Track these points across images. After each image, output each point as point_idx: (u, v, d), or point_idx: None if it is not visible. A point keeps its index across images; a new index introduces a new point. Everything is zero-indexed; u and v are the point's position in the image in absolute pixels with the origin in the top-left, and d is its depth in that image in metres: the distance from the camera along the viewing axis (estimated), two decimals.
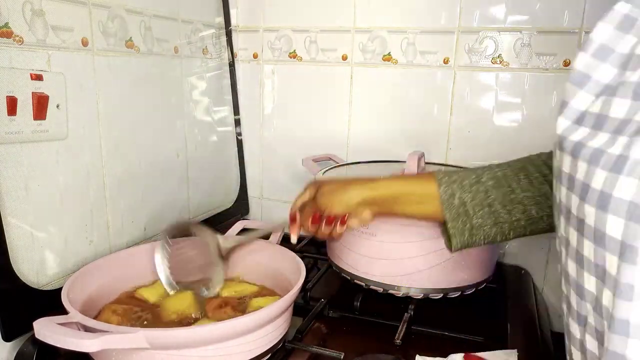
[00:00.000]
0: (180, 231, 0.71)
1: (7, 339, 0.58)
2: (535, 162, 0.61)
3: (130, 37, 0.76)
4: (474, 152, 0.96)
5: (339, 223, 0.61)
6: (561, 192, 0.38)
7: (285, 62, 1.06)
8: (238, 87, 1.08)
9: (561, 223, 0.40)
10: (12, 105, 0.58)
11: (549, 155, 0.61)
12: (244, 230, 0.84)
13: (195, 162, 0.96)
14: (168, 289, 0.68)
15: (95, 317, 0.62)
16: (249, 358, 0.56)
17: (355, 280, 0.79)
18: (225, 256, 0.67)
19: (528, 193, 0.58)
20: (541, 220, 0.59)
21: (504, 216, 0.59)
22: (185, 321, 0.63)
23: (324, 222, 0.61)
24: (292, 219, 0.64)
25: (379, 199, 0.60)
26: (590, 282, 0.38)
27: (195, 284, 0.69)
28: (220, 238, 0.68)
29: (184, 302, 0.65)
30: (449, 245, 0.61)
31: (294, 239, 0.65)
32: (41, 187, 0.63)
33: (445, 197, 0.59)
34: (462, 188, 0.59)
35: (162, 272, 0.68)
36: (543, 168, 0.59)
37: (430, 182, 0.60)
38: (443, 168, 0.93)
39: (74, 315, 0.52)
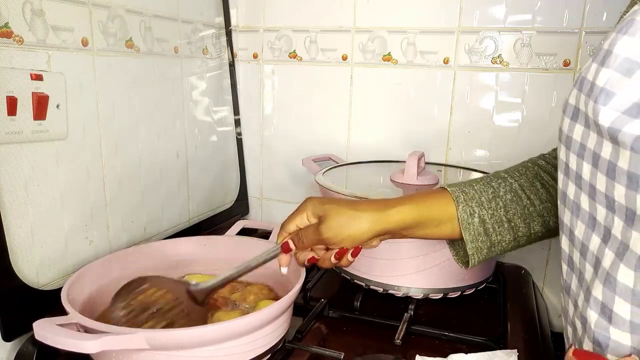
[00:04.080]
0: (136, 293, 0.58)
1: (7, 339, 0.58)
2: (546, 168, 0.59)
3: (130, 37, 0.76)
4: (474, 152, 0.96)
5: (349, 255, 0.55)
6: (618, 190, 0.36)
7: (285, 62, 1.06)
8: (238, 87, 1.08)
9: (618, 225, 0.37)
10: (12, 105, 0.57)
11: (555, 156, 0.60)
12: (244, 230, 0.84)
13: (195, 162, 0.96)
14: None
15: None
16: (249, 358, 0.56)
17: (355, 280, 0.79)
18: (202, 302, 0.57)
19: (548, 204, 0.56)
20: (556, 230, 0.56)
21: (522, 230, 0.56)
22: None
23: (332, 256, 0.54)
24: (285, 249, 0.55)
25: (393, 229, 0.54)
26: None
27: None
28: (189, 285, 0.58)
29: None
30: (463, 263, 0.59)
31: (284, 271, 0.57)
32: (41, 187, 0.63)
33: (465, 217, 0.55)
34: (480, 205, 0.55)
35: None
36: (555, 173, 0.57)
37: (446, 203, 0.55)
38: (443, 168, 0.93)
39: (74, 316, 0.52)
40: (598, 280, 0.38)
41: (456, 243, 0.60)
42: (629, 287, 0.36)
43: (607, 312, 0.38)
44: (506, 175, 0.58)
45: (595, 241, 0.39)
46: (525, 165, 0.60)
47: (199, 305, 0.57)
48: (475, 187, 0.57)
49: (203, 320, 0.58)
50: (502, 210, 0.56)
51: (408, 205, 0.55)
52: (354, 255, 0.55)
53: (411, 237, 0.57)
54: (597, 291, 0.38)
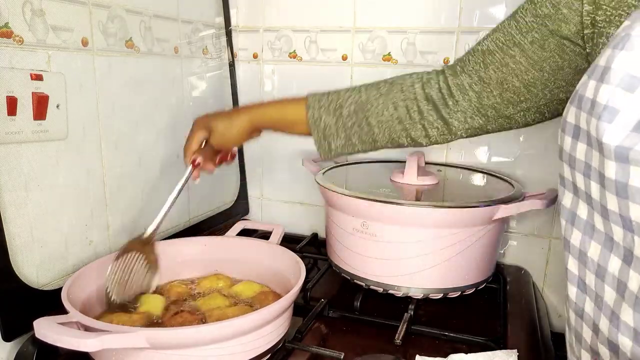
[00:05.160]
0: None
1: (7, 339, 0.58)
2: (404, 86, 0.66)
3: (130, 37, 0.76)
4: (474, 151, 0.96)
5: (229, 156, 0.73)
6: (635, 210, 0.35)
7: (285, 62, 1.06)
8: (238, 87, 1.08)
9: (639, 244, 0.36)
10: (12, 105, 0.58)
11: (425, 82, 0.65)
12: (244, 231, 0.84)
13: None
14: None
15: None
16: (249, 358, 0.56)
17: (355, 280, 0.79)
18: (149, 242, 0.67)
19: (382, 118, 0.66)
20: (382, 144, 0.68)
21: (356, 138, 0.67)
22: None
23: (222, 157, 0.72)
24: (195, 164, 0.69)
25: (260, 124, 0.70)
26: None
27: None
28: (140, 237, 0.67)
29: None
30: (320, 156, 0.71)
31: (197, 182, 0.72)
32: (41, 187, 0.63)
33: (312, 121, 0.67)
34: (327, 112, 0.67)
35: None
36: (408, 93, 0.65)
37: (300, 107, 0.68)
38: (443, 168, 0.93)
39: (74, 315, 0.52)
40: (626, 304, 0.36)
41: None
42: None
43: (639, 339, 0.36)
44: (362, 88, 0.68)
45: (615, 263, 0.38)
46: (392, 81, 0.67)
47: (149, 246, 0.67)
48: (330, 97, 0.68)
49: (154, 258, 0.67)
50: (346, 118, 0.67)
51: (268, 109, 0.70)
52: (233, 157, 0.74)
53: (278, 132, 0.72)
54: (627, 316, 0.36)
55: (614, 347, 0.38)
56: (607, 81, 0.36)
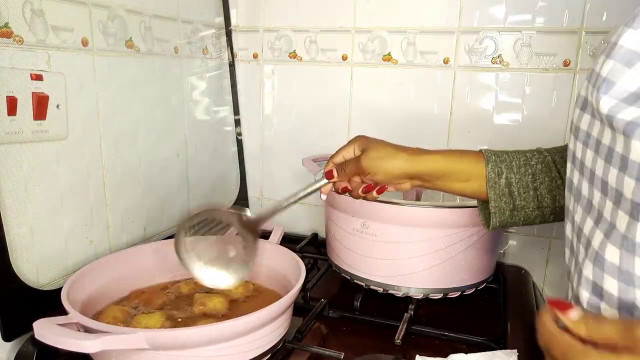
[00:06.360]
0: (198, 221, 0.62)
1: (7, 339, 0.58)
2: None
3: (130, 37, 0.76)
4: None
5: (376, 190, 0.61)
6: (612, 173, 0.38)
7: (285, 62, 1.06)
8: (238, 87, 1.08)
9: (608, 207, 0.38)
10: (12, 105, 0.57)
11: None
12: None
13: (195, 162, 0.96)
14: (209, 284, 0.61)
15: (97, 316, 0.62)
16: (249, 358, 0.56)
17: (355, 280, 0.79)
18: (255, 230, 0.60)
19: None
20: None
21: (547, 201, 0.59)
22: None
23: (361, 189, 0.61)
24: (329, 176, 0.61)
25: (424, 174, 0.60)
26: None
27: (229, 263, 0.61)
28: (243, 216, 0.60)
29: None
30: (486, 224, 0.62)
31: (323, 197, 0.63)
32: (41, 187, 0.63)
33: (492, 176, 0.59)
34: (510, 168, 0.59)
35: (196, 269, 0.60)
36: None
37: (478, 161, 0.60)
38: None
39: (74, 315, 0.52)
40: (588, 260, 0.40)
41: (484, 204, 0.63)
42: (616, 265, 0.37)
43: (597, 290, 0.39)
44: (543, 150, 0.61)
45: (589, 224, 0.41)
46: (566, 145, 0.62)
47: (251, 235, 0.60)
48: (510, 153, 0.61)
49: (254, 252, 0.59)
50: (530, 177, 0.59)
51: (441, 155, 0.60)
52: (379, 192, 0.61)
53: (441, 189, 0.61)
54: (588, 271, 0.39)
55: (577, 301, 0.41)
56: (612, 56, 0.38)
